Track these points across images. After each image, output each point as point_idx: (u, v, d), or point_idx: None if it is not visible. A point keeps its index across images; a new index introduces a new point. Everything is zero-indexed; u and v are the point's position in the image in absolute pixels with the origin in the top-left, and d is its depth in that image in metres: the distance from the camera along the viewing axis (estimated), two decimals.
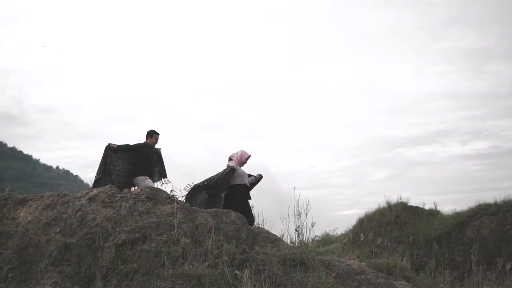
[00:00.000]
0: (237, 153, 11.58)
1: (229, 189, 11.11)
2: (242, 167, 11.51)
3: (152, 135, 11.70)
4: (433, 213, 24.82)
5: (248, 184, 11.37)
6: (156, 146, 11.89)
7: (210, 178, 10.90)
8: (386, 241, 14.69)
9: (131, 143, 11.36)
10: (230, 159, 11.57)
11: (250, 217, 10.81)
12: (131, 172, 11.45)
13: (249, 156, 11.56)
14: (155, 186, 11.22)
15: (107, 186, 10.08)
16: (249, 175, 11.67)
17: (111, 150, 11.02)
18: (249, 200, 11.31)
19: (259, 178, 11.82)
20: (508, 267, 13.06)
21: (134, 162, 11.43)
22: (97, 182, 10.79)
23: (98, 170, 10.96)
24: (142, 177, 11.33)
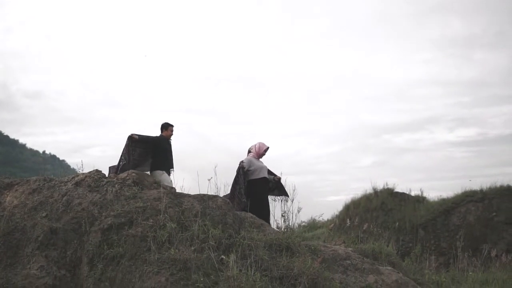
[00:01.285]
0: (255, 145, 11.60)
1: (248, 184, 11.12)
2: (261, 159, 11.51)
3: (167, 127, 11.72)
4: (419, 200, 24.91)
5: (267, 177, 11.36)
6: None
7: (233, 189, 11.00)
8: (372, 226, 14.75)
9: (145, 134, 11.29)
10: (249, 151, 11.61)
11: (266, 212, 10.82)
12: (146, 164, 11.50)
13: (267, 148, 11.64)
14: (171, 182, 11.29)
15: (94, 171, 10.07)
16: (270, 173, 11.65)
17: (132, 140, 10.98)
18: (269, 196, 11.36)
19: (278, 180, 11.80)
20: (493, 253, 13.16)
21: (152, 155, 11.43)
22: (122, 168, 10.76)
23: (122, 157, 10.90)
24: (160, 172, 11.33)
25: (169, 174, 11.55)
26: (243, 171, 11.03)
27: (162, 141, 11.51)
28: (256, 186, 11.12)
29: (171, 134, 11.74)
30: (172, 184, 11.01)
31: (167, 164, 11.58)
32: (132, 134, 10.93)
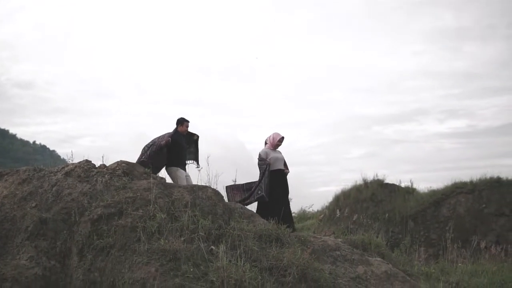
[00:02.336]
0: (270, 136, 11.56)
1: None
2: (277, 149, 11.49)
3: (183, 122, 11.69)
4: (409, 191, 24.89)
5: (283, 168, 11.35)
6: (194, 132, 12.00)
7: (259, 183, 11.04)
8: (361, 217, 14.84)
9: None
10: (265, 142, 11.56)
11: (278, 207, 10.79)
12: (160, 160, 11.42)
13: (282, 137, 11.60)
14: (188, 178, 11.38)
15: (83, 161, 10.07)
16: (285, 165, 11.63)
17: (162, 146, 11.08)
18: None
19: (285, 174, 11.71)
20: (482, 245, 13.23)
21: (166, 151, 11.33)
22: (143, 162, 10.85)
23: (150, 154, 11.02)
24: (174, 168, 11.35)
25: (184, 169, 11.60)
26: (268, 170, 11.07)
27: (175, 136, 11.44)
28: (273, 177, 11.11)
29: (186, 130, 11.73)
30: (188, 180, 11.22)
31: (181, 159, 11.60)
32: (167, 139, 11.08)
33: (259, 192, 10.88)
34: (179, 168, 11.37)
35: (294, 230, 10.70)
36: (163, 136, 11.25)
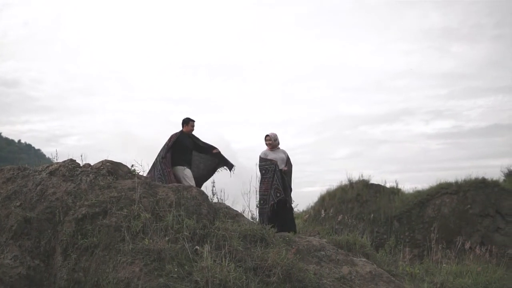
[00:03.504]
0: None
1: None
2: (276, 149, 11.43)
3: (188, 122, 11.74)
4: (394, 191, 25.03)
5: (284, 168, 11.29)
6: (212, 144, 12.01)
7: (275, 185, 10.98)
8: (346, 218, 14.84)
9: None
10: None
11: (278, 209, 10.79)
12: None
13: (266, 135, 11.56)
14: (191, 176, 11.43)
15: (68, 160, 10.04)
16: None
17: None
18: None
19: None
20: (467, 246, 13.28)
21: (172, 151, 11.39)
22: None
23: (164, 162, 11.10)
24: (181, 167, 11.39)
25: (190, 168, 11.64)
26: (280, 173, 11.04)
27: (179, 136, 11.53)
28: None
29: (192, 130, 11.77)
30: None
31: (186, 158, 11.61)
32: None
33: (278, 194, 10.83)
34: (185, 167, 11.43)
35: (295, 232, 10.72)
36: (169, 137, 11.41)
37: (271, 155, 11.22)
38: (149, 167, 11.25)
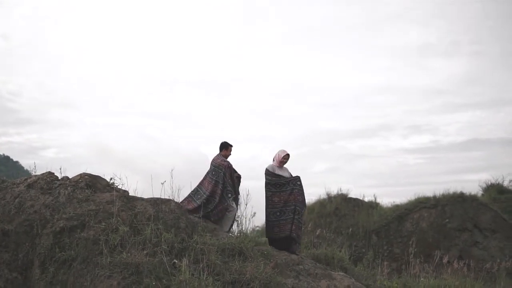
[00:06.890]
0: (276, 153, 11.36)
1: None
2: (284, 166, 11.34)
3: (227, 147, 11.28)
4: (373, 205, 25.16)
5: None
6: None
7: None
8: (325, 232, 14.87)
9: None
10: (273, 160, 11.40)
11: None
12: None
13: (287, 154, 11.20)
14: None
15: (46, 173, 10.01)
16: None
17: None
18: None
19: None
20: (445, 260, 13.35)
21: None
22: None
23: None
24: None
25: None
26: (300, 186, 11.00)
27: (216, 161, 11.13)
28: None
29: (229, 155, 11.29)
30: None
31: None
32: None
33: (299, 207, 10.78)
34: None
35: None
36: (218, 165, 10.97)
37: (279, 171, 11.13)
38: (187, 195, 10.94)
